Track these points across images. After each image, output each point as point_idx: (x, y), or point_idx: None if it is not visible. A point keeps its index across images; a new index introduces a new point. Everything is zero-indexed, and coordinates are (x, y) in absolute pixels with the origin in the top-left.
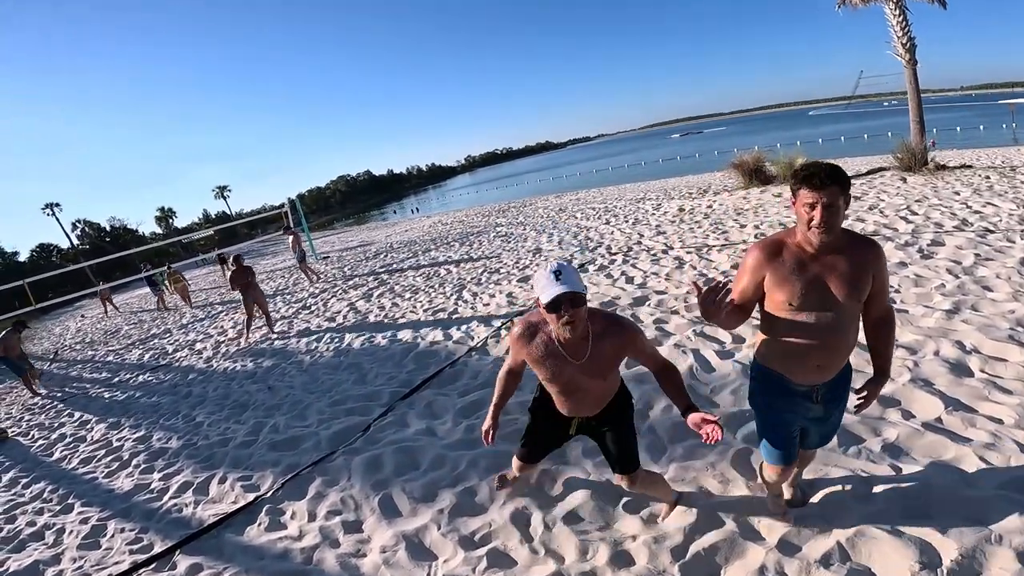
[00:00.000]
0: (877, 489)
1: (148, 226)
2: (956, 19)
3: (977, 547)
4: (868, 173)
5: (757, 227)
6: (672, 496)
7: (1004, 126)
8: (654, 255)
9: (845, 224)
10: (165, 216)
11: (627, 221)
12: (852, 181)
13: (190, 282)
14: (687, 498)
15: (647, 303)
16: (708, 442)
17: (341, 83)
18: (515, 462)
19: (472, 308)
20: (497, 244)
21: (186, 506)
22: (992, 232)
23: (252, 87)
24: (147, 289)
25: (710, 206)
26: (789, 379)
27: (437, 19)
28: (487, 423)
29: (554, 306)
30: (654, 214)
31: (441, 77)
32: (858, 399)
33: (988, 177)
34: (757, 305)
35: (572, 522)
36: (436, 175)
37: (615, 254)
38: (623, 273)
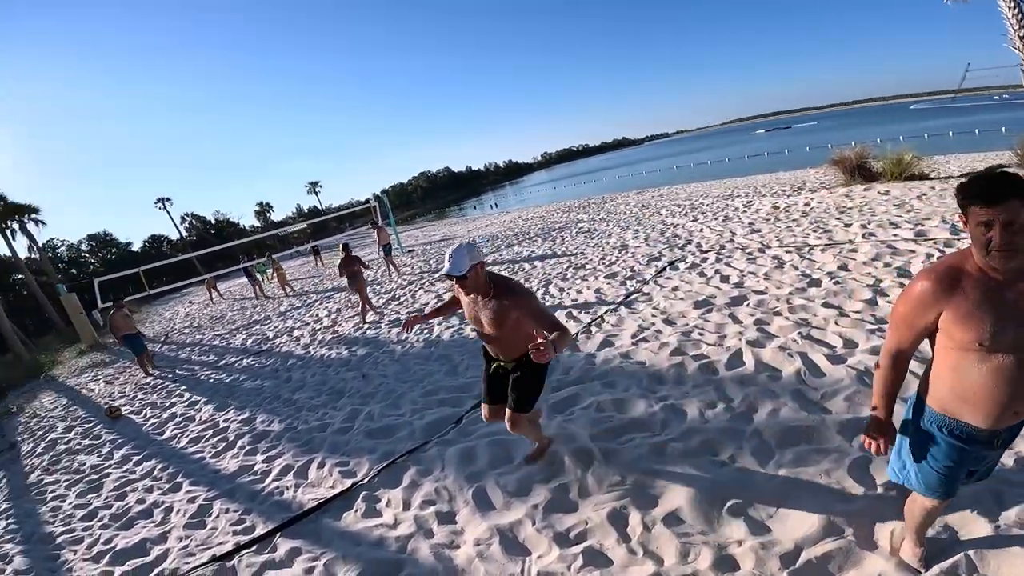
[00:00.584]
0: (1008, 500)
1: (248, 219)
2: None
3: None
4: (987, 170)
5: (864, 226)
6: (545, 441)
7: None
8: (749, 254)
9: None
10: (263, 210)
11: (716, 218)
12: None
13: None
14: (799, 505)
15: (746, 303)
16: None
17: (421, 81)
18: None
19: (559, 303)
20: (580, 240)
21: (287, 489)
22: None
23: (339, 86)
24: (246, 279)
25: (807, 204)
26: (973, 427)
27: (513, 16)
28: (416, 316)
29: (446, 277)
30: (745, 211)
31: (518, 74)
32: None
33: None
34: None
35: (673, 524)
36: (512, 171)
37: (706, 252)
38: (717, 272)
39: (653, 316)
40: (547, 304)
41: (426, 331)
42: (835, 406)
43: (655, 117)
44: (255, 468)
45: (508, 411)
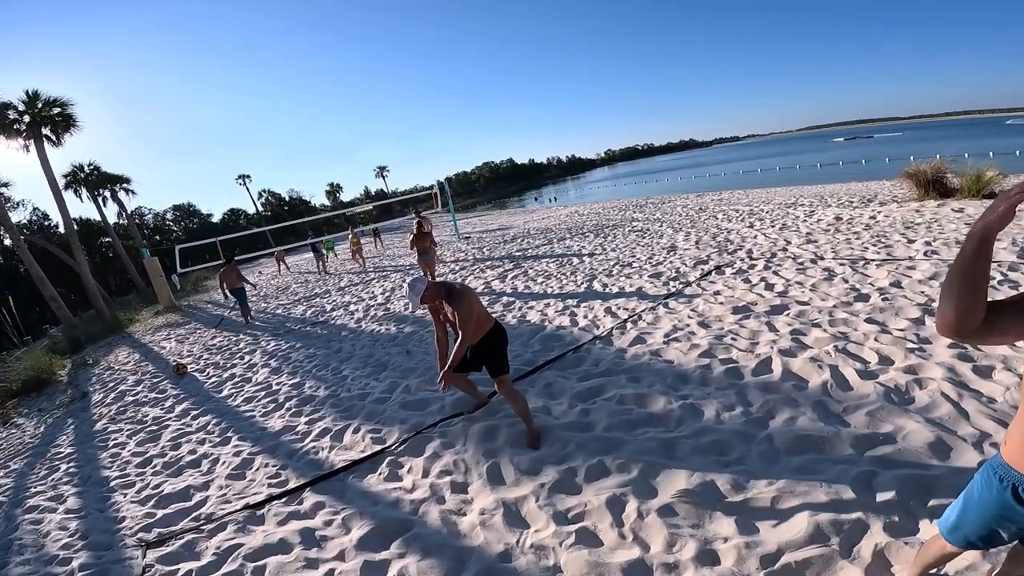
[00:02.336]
0: None
1: (319, 198)
2: None
3: None
4: None
5: (928, 243)
6: (483, 398)
7: None
8: (800, 264)
9: None
10: (334, 191)
11: (773, 226)
12: None
13: (361, 245)
14: (793, 511)
15: (786, 312)
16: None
17: (492, 74)
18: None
19: (601, 298)
20: (632, 239)
21: (322, 449)
22: None
23: (414, 76)
24: (311, 254)
25: (873, 217)
26: None
27: (578, 13)
28: (445, 373)
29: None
30: (805, 221)
31: (584, 69)
32: None
33: None
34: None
35: (666, 515)
36: (575, 167)
37: (756, 259)
38: (763, 279)
39: (689, 318)
40: (590, 296)
41: None
42: (855, 420)
43: (726, 119)
44: (297, 429)
45: (495, 378)
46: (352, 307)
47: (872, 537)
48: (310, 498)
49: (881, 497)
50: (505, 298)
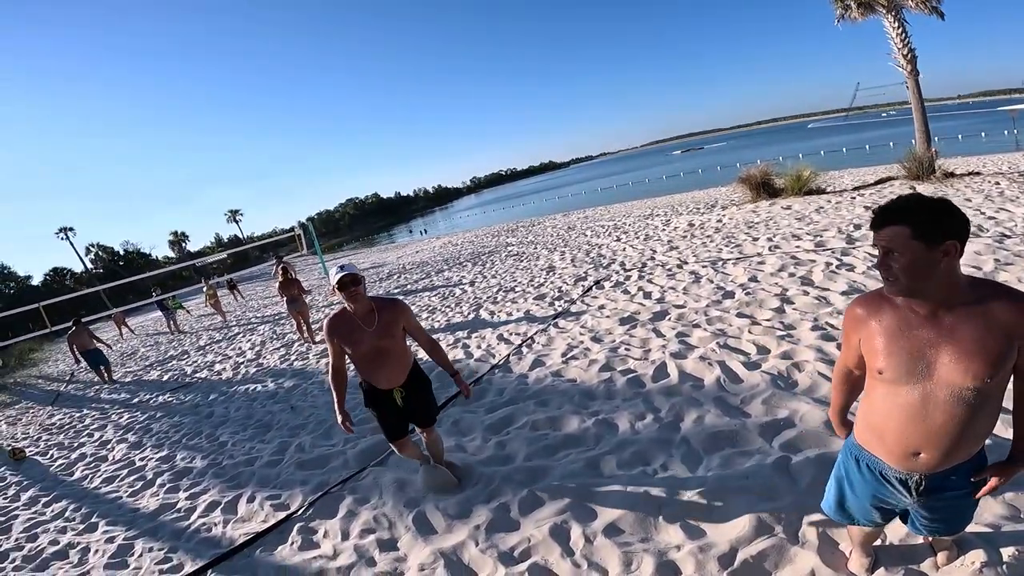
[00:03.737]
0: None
1: (161, 250)
2: (948, 28)
3: None
4: (877, 183)
5: (770, 239)
6: (443, 456)
7: (1006, 132)
8: (669, 270)
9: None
10: (178, 240)
11: (638, 237)
12: (863, 191)
13: (218, 297)
14: (731, 507)
15: (667, 317)
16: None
17: (347, 108)
18: (392, 445)
19: (491, 326)
20: (510, 263)
21: (215, 525)
22: (1009, 237)
23: (261, 110)
24: (159, 313)
25: (720, 220)
26: (882, 461)
27: (438, 43)
28: (339, 417)
29: (341, 285)
30: (664, 229)
31: (445, 99)
32: (975, 480)
33: (998, 183)
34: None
35: (613, 534)
36: (442, 196)
37: (630, 270)
38: (640, 289)
39: (581, 334)
40: (479, 325)
41: None
42: (754, 409)
43: (579, 140)
44: (178, 506)
45: (423, 429)
46: (218, 366)
47: (812, 520)
48: None
49: (803, 480)
50: (348, 363)
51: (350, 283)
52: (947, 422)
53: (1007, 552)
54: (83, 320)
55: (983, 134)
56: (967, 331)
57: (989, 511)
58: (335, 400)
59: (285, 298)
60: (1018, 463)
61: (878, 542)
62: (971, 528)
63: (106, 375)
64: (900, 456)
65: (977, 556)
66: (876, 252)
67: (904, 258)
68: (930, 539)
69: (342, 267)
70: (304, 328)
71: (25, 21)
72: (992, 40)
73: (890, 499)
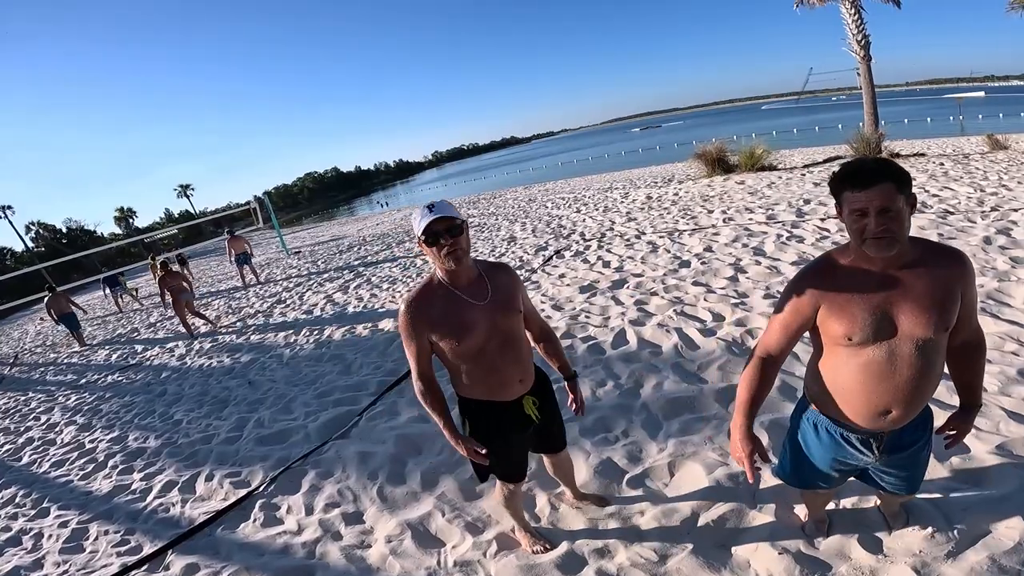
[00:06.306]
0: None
1: (107, 227)
2: (903, 16)
3: None
4: (825, 161)
5: (724, 212)
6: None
7: (951, 118)
8: (628, 240)
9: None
10: (125, 216)
11: (597, 209)
12: (811, 168)
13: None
14: (690, 472)
15: (626, 286)
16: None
17: (308, 79)
18: (505, 488)
19: None
20: (471, 234)
21: (173, 505)
22: (952, 213)
23: (216, 82)
24: (104, 291)
25: (676, 194)
26: (846, 425)
27: (405, 15)
28: (460, 446)
29: (432, 236)
30: (623, 202)
31: (408, 73)
32: (947, 438)
33: (942, 164)
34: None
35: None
36: (404, 171)
37: (589, 240)
38: (599, 258)
39: (543, 302)
40: None
41: (316, 331)
42: (710, 375)
43: (541, 116)
44: (133, 487)
45: (559, 454)
46: (171, 344)
47: (767, 483)
48: (177, 561)
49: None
50: (351, 309)
51: (445, 231)
52: (913, 376)
53: (956, 518)
54: (57, 287)
55: (929, 119)
56: (920, 286)
57: (939, 477)
58: (440, 422)
59: (168, 291)
60: (972, 411)
61: (831, 505)
62: (921, 495)
63: (81, 341)
64: (868, 417)
65: (929, 521)
66: (840, 220)
67: (900, 215)
68: (879, 504)
69: (430, 207)
70: (200, 318)
71: None
72: (941, 29)
73: (850, 460)
